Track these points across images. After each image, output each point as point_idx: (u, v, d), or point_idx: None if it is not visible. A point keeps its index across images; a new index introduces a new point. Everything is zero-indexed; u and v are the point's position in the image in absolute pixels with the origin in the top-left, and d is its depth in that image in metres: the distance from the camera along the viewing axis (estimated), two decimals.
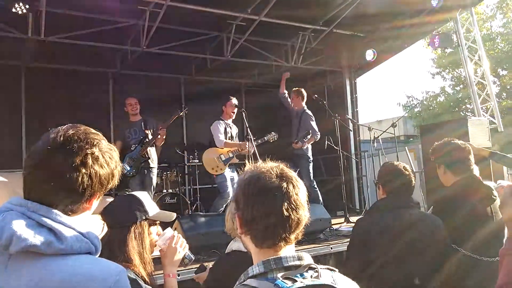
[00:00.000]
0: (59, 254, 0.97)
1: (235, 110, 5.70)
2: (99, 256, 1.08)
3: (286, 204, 1.12)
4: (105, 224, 1.82)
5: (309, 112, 6.50)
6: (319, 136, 6.37)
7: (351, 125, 8.07)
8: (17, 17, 5.27)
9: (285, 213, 1.11)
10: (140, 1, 5.86)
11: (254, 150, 5.12)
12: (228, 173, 5.56)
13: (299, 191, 1.16)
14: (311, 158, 6.43)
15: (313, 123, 6.41)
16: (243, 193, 1.18)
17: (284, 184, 1.14)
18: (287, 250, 1.16)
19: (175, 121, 8.58)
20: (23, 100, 7.31)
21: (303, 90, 6.55)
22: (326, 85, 9.14)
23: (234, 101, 5.78)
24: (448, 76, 20.50)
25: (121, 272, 1.03)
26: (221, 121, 5.70)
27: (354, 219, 5.50)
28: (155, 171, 5.90)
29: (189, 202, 6.82)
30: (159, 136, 5.66)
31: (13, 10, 4.95)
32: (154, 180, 5.89)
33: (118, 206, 1.85)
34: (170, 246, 1.90)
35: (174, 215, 1.97)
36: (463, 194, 2.59)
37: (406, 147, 9.01)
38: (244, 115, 5.25)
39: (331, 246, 4.49)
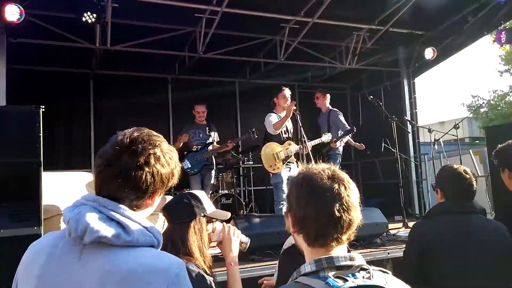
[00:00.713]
0: (126, 246, 1.06)
1: (289, 101, 5.51)
2: (162, 250, 1.15)
3: (337, 205, 1.14)
4: (166, 220, 1.94)
5: (336, 109, 6.53)
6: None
7: (409, 127, 7.80)
8: (86, 29, 5.68)
9: (337, 214, 1.14)
10: (197, 9, 6.08)
11: (309, 152, 5.07)
12: (285, 173, 5.44)
13: (351, 193, 1.18)
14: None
15: (343, 119, 6.42)
16: (295, 194, 1.21)
17: (336, 185, 1.16)
18: (339, 250, 1.18)
19: (231, 122, 8.94)
20: (91, 105, 7.87)
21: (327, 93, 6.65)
22: (383, 86, 8.91)
23: (287, 92, 5.60)
24: None
25: (181, 265, 1.10)
26: (272, 114, 5.58)
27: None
28: (213, 173, 6.36)
29: (244, 203, 6.94)
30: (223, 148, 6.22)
31: (83, 19, 5.33)
32: (213, 180, 6.35)
33: (178, 203, 1.95)
34: (224, 237, 2.00)
35: (229, 214, 2.06)
36: None
37: (470, 150, 8.55)
38: (298, 117, 5.20)
39: (388, 251, 4.36)
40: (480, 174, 7.48)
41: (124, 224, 1.06)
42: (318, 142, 5.74)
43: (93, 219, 1.04)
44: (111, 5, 5.51)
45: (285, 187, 5.38)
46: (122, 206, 1.10)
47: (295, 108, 5.25)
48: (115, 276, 1.02)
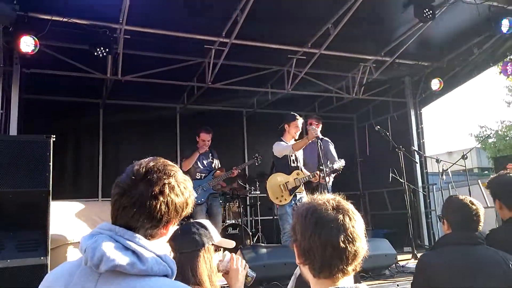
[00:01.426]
0: (141, 275, 1.07)
1: (299, 132, 5.36)
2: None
3: (342, 236, 1.15)
4: (172, 250, 1.93)
5: (328, 139, 6.11)
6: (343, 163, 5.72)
7: (417, 157, 7.77)
8: (98, 60, 5.82)
9: (342, 245, 1.14)
10: (206, 40, 6.23)
11: (325, 180, 4.93)
12: (291, 204, 5.22)
13: (356, 223, 1.19)
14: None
15: (334, 151, 6.01)
16: (300, 225, 1.22)
17: (340, 216, 1.17)
18: (345, 281, 1.18)
19: (238, 152, 8.97)
20: (100, 133, 7.95)
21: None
22: (389, 116, 8.95)
23: (300, 122, 5.41)
24: None
25: None
26: (281, 142, 5.36)
27: None
28: (220, 201, 6.28)
29: (250, 233, 6.88)
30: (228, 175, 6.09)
31: (95, 53, 5.47)
32: (220, 209, 6.25)
33: (186, 233, 1.94)
34: (232, 268, 1.99)
35: (234, 243, 2.07)
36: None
37: (479, 180, 8.46)
38: (320, 143, 5.04)
39: (397, 283, 4.28)
40: (489, 205, 7.37)
41: (139, 253, 1.08)
42: (331, 170, 5.44)
43: (109, 248, 1.06)
44: (123, 37, 5.66)
45: (290, 218, 5.19)
46: (137, 235, 1.11)
47: (318, 134, 5.11)
48: None
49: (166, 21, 5.72)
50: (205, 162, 6.18)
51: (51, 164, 3.43)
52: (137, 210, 1.12)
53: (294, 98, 8.20)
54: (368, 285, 4.07)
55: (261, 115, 8.87)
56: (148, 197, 1.12)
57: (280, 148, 5.34)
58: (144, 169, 1.16)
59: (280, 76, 7.57)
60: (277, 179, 5.29)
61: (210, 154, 6.28)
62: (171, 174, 1.18)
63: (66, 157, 7.60)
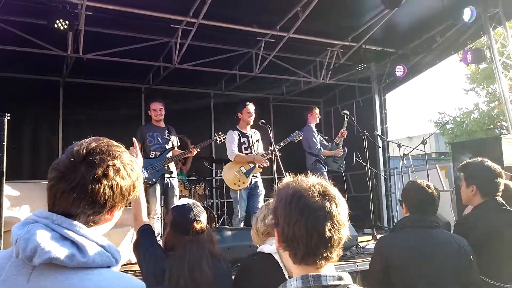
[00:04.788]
0: (81, 267, 0.97)
1: (253, 117, 5.40)
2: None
3: (329, 224, 1.10)
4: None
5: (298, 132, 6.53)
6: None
7: (380, 141, 7.98)
8: (58, 36, 5.56)
9: (328, 233, 1.10)
10: (173, 20, 6.07)
11: (279, 164, 4.87)
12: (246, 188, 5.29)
13: (342, 210, 1.15)
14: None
15: (311, 138, 6.69)
16: (284, 210, 1.15)
17: (327, 204, 1.12)
18: (327, 268, 1.14)
19: (205, 135, 8.87)
20: (60, 113, 7.65)
21: None
22: (355, 101, 9.11)
23: (251, 107, 5.43)
24: (483, 92, 19.89)
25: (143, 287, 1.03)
26: (234, 131, 5.39)
27: None
28: (177, 181, 5.58)
29: (216, 215, 6.88)
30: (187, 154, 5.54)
31: (55, 26, 5.20)
32: (177, 190, 5.53)
33: None
34: None
35: None
36: (487, 217, 2.53)
37: (436, 165, 8.80)
38: (269, 131, 5.07)
39: (357, 264, 4.42)
40: (445, 189, 7.70)
41: (79, 244, 0.98)
42: (286, 143, 5.61)
43: (44, 239, 0.94)
44: (84, 13, 5.42)
45: (243, 201, 5.28)
46: (77, 223, 1.01)
47: (266, 124, 5.17)
48: None
49: None
50: (160, 139, 5.40)
51: (5, 143, 3.26)
52: (77, 195, 1.01)
53: (262, 81, 8.17)
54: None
55: (229, 97, 8.80)
56: (90, 180, 1.01)
57: (228, 147, 5.40)
58: (85, 150, 1.05)
59: (249, 58, 7.51)
60: (231, 166, 5.36)
61: (167, 131, 5.50)
62: (116, 155, 1.07)
63: (23, 137, 7.29)
